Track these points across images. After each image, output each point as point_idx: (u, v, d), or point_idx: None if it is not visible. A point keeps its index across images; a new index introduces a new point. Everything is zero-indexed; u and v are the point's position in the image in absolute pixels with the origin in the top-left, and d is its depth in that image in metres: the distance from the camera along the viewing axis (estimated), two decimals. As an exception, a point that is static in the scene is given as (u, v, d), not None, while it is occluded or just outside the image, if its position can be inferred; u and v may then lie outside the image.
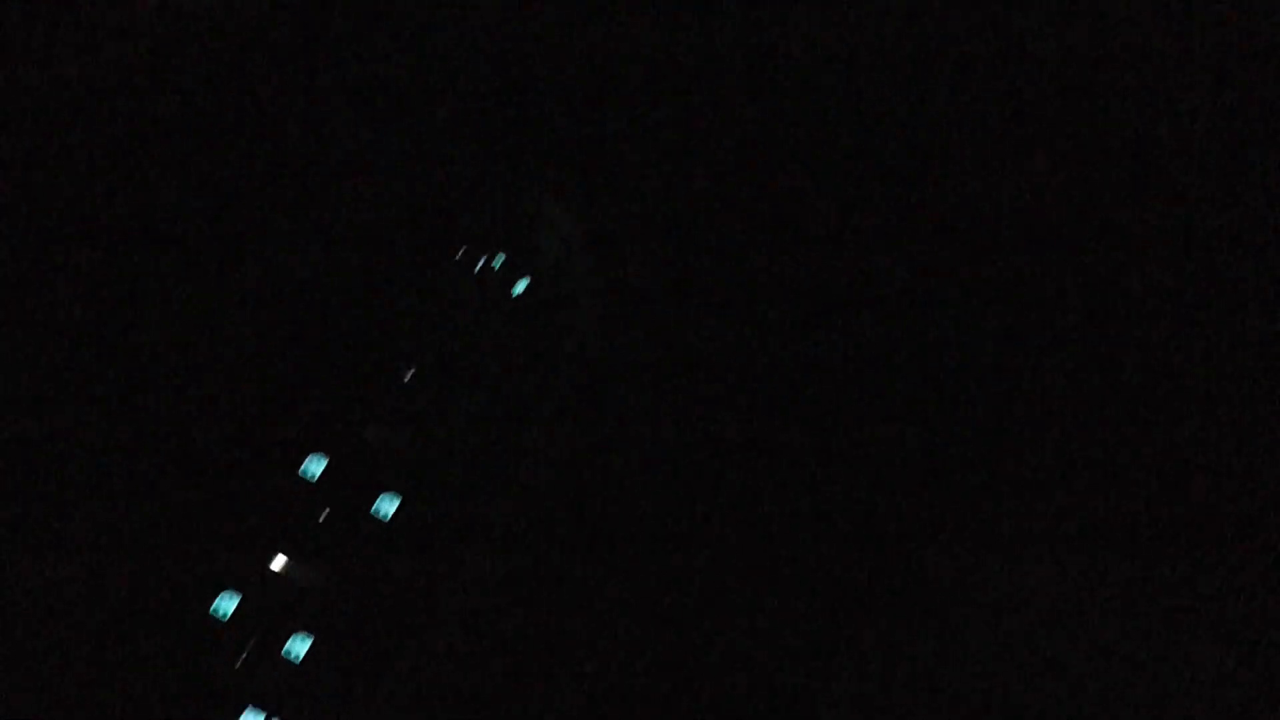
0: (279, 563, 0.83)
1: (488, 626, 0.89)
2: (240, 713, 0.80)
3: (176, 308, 0.89)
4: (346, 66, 0.95)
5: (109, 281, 0.85)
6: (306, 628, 0.82)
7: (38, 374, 0.82)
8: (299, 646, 0.82)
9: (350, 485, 0.86)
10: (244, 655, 0.81)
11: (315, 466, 0.86)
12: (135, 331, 0.87)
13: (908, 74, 0.95)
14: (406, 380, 0.91)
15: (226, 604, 0.83)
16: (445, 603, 0.84)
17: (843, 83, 0.95)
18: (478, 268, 0.96)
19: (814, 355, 0.95)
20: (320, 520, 0.83)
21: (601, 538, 0.92)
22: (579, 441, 0.95)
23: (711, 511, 0.91)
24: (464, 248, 0.96)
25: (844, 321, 0.94)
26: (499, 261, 0.96)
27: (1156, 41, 0.91)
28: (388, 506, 0.86)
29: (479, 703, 0.86)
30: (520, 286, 0.95)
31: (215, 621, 0.82)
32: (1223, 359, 0.89)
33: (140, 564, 0.84)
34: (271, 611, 0.83)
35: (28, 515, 0.82)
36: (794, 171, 0.99)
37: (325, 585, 0.83)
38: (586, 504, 0.93)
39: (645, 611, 0.89)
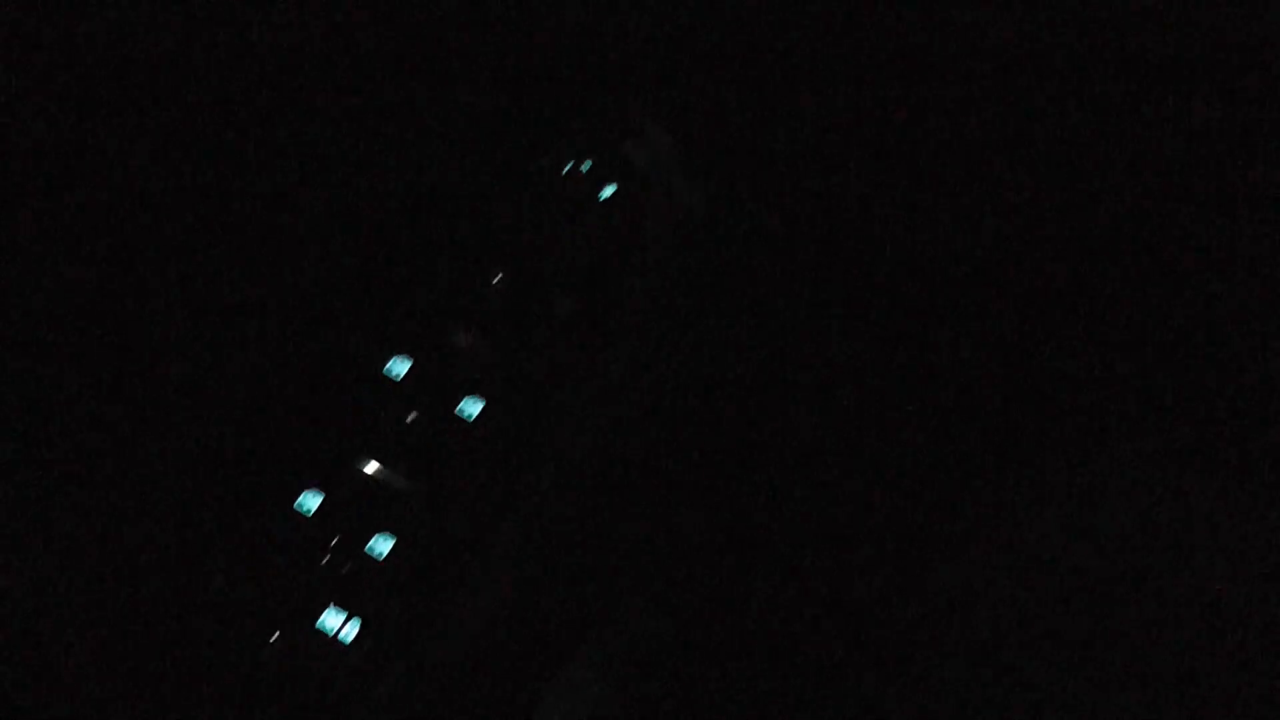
0: (363, 462, 0.82)
1: (570, 530, 0.87)
2: (322, 611, 0.79)
3: (269, 207, 0.88)
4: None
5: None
6: (390, 528, 0.81)
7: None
8: (382, 546, 0.81)
9: (435, 387, 0.84)
10: (327, 554, 0.80)
11: (400, 367, 0.84)
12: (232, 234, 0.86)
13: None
14: (495, 283, 0.88)
15: (310, 501, 0.82)
16: (528, 505, 0.83)
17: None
18: (565, 170, 0.94)
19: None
20: (407, 421, 0.82)
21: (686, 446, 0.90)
22: (660, 348, 0.92)
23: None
24: (551, 152, 0.94)
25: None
26: (586, 167, 0.93)
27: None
28: (472, 408, 0.84)
29: (559, 610, 0.85)
30: (607, 192, 0.93)
31: (299, 518, 0.81)
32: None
33: (224, 460, 0.83)
34: (354, 510, 0.82)
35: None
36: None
37: (409, 486, 0.82)
38: (669, 411, 0.91)
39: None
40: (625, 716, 0.83)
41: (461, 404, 0.85)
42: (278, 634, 0.80)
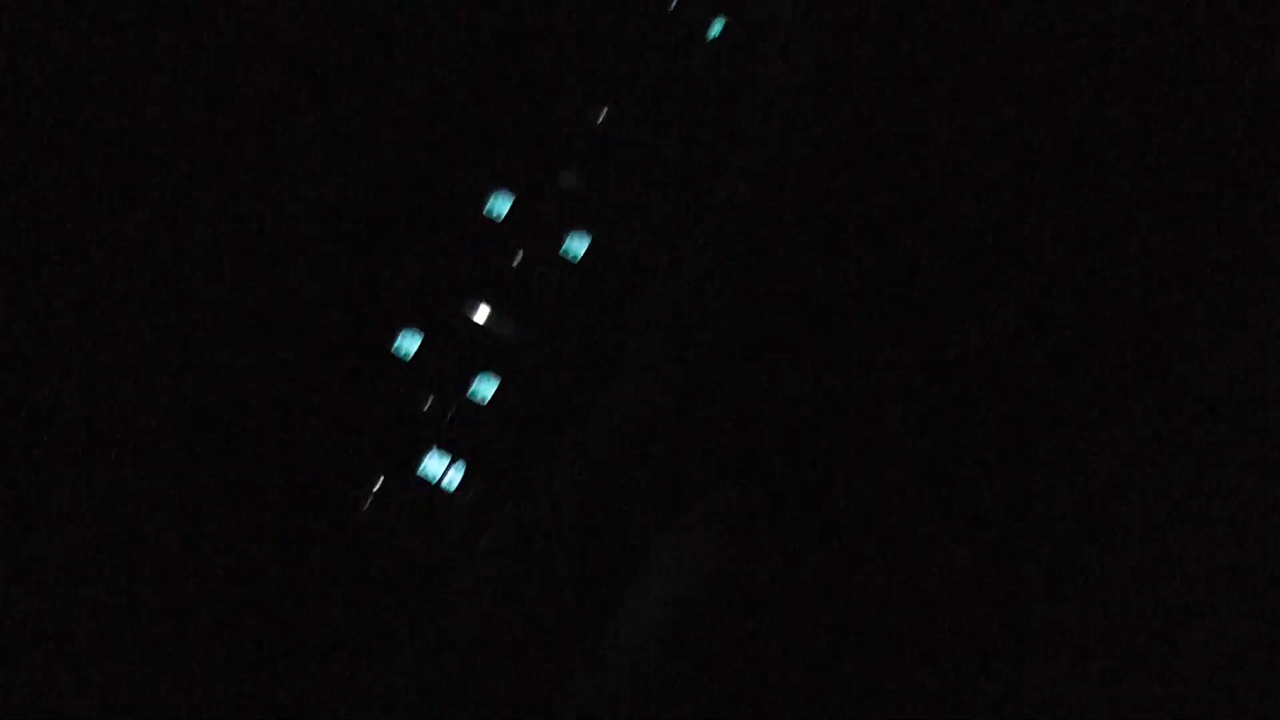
0: (464, 304, 0.78)
1: (677, 384, 0.83)
2: (425, 453, 0.76)
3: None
4: None
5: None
6: (493, 369, 0.77)
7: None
8: (485, 388, 0.77)
9: (538, 228, 0.79)
10: (428, 398, 0.77)
11: (501, 206, 0.80)
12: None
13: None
14: (600, 121, 0.83)
15: (409, 343, 0.78)
16: (631, 347, 0.78)
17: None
18: (672, 6, 0.88)
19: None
20: (514, 264, 0.77)
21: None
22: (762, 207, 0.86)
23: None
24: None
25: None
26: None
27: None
28: (578, 247, 0.79)
29: (662, 457, 0.81)
30: (716, 28, 0.86)
31: (398, 361, 0.78)
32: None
33: (320, 303, 0.80)
34: (455, 353, 0.78)
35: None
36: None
37: (513, 329, 0.78)
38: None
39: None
40: (724, 589, 0.79)
41: (566, 244, 0.80)
42: (381, 481, 0.77)
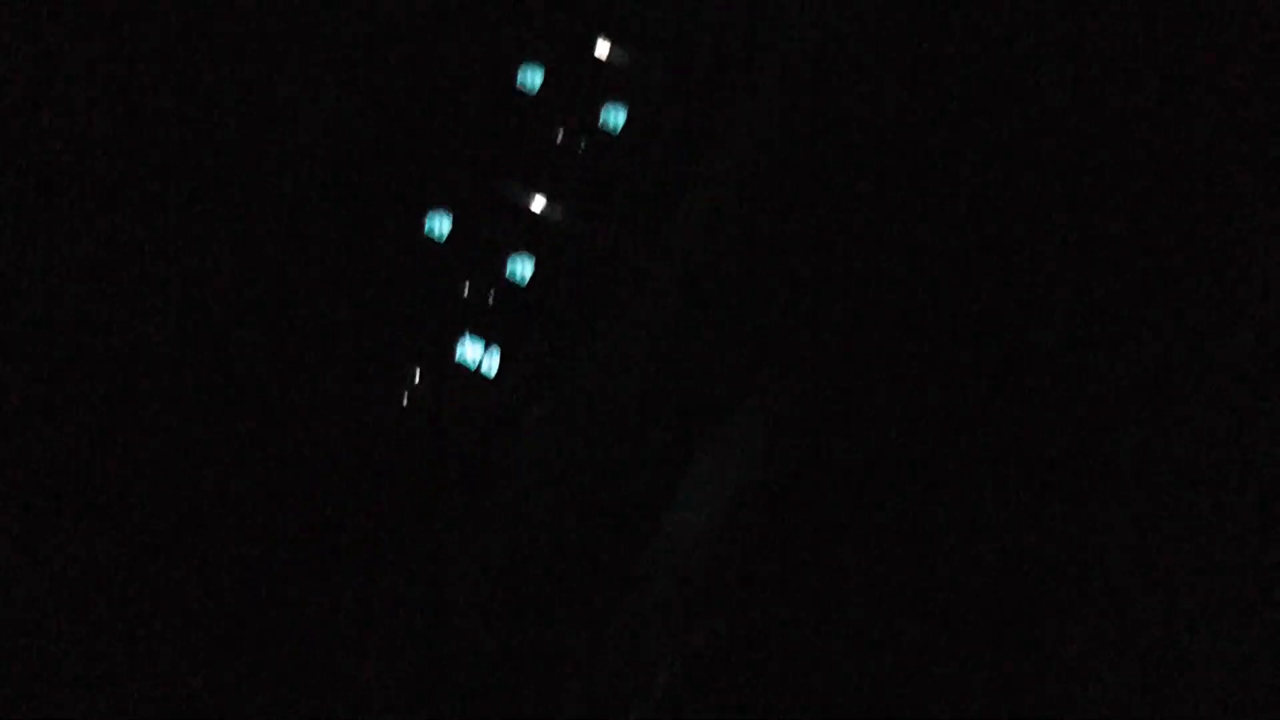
0: (499, 181, 0.73)
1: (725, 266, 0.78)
2: (460, 337, 0.73)
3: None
4: None
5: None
6: (528, 250, 0.73)
7: None
8: (523, 269, 0.73)
9: (574, 98, 0.75)
10: (464, 280, 0.73)
11: (534, 78, 0.75)
12: None
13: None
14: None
15: (440, 224, 0.74)
16: (678, 233, 0.73)
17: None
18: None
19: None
20: (556, 140, 0.72)
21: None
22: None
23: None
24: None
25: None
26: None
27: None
28: (616, 119, 0.74)
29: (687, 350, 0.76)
30: None
31: (430, 242, 0.74)
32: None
33: (344, 181, 0.76)
34: (490, 232, 0.74)
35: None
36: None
37: (549, 205, 0.73)
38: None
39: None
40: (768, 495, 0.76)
41: (604, 115, 0.75)
42: (418, 370, 0.74)
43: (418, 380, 0.74)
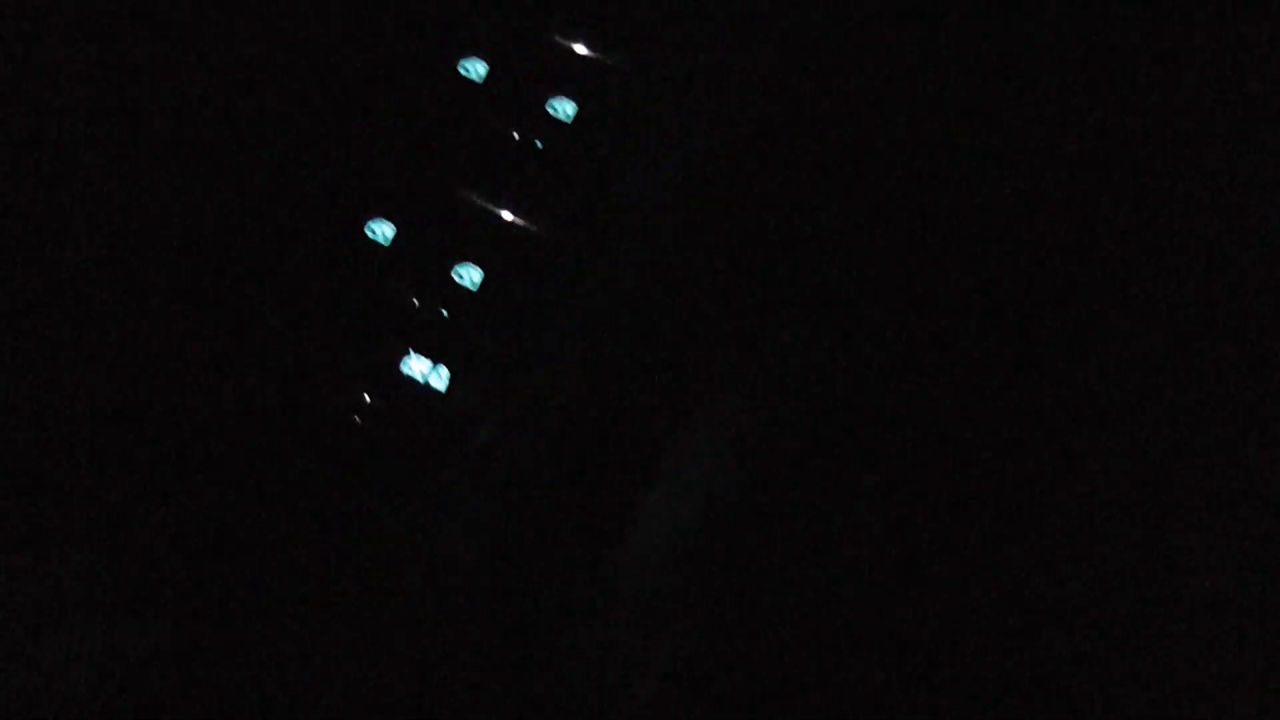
0: (442, 182, 0.69)
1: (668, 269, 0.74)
2: (404, 355, 0.69)
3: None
4: None
5: None
6: (476, 258, 0.68)
7: None
8: (471, 275, 0.69)
9: (519, 89, 0.70)
10: (408, 289, 0.69)
11: (478, 70, 0.69)
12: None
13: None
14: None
15: (382, 229, 0.70)
16: (626, 227, 0.69)
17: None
18: None
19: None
20: (503, 139, 0.67)
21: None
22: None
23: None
24: None
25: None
26: None
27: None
28: (566, 109, 0.69)
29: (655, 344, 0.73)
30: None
31: (374, 247, 0.70)
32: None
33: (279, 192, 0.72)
34: (435, 239, 0.69)
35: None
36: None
37: (492, 205, 0.69)
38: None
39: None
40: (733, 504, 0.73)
41: (549, 102, 0.71)
42: (363, 388, 0.71)
43: (365, 397, 0.71)
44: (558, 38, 0.73)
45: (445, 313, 0.70)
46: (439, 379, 0.69)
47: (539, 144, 0.71)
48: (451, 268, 0.70)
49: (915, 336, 0.72)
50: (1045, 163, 0.73)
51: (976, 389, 0.72)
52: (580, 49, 0.73)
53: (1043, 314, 0.73)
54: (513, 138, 0.70)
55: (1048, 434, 0.72)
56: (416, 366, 0.69)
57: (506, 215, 0.71)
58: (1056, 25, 0.73)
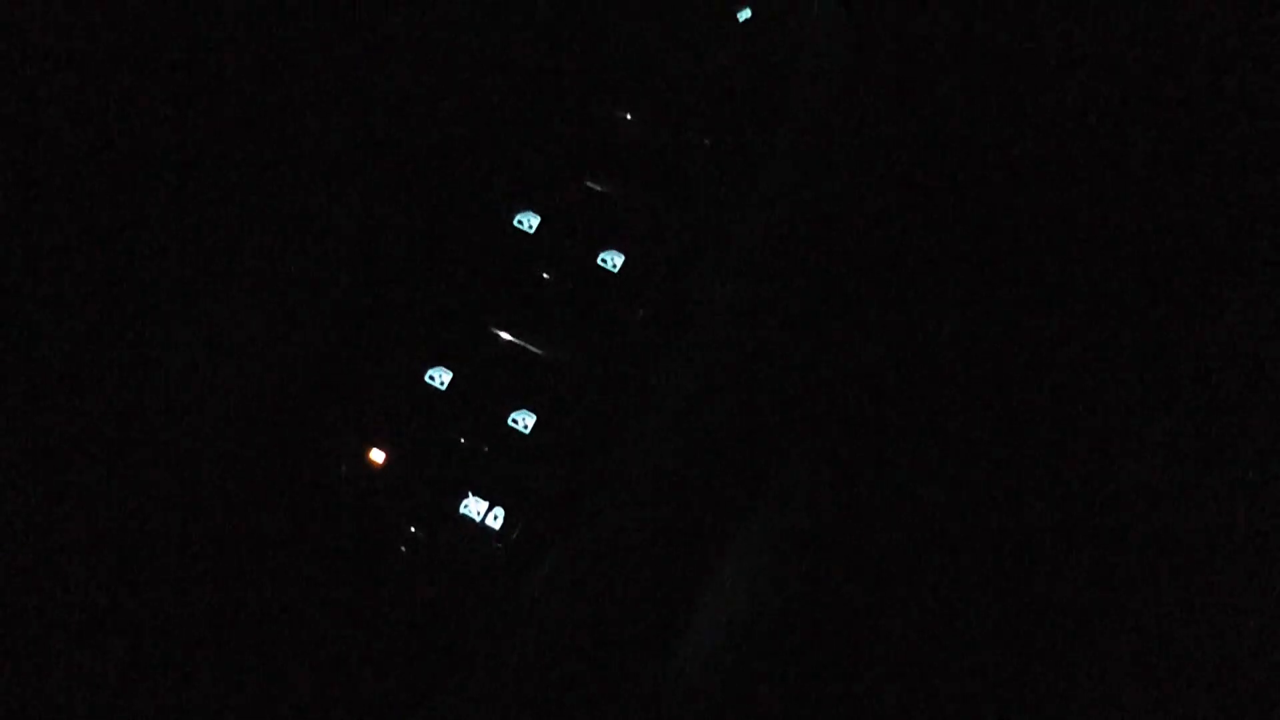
0: (495, 329, 0.71)
1: (722, 406, 0.77)
2: (464, 496, 0.70)
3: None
4: None
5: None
6: (530, 403, 0.71)
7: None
8: (525, 420, 0.71)
9: (570, 240, 0.73)
10: (463, 433, 0.71)
11: (530, 219, 0.73)
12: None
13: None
14: (628, 119, 0.77)
15: (440, 374, 0.72)
16: (678, 376, 0.72)
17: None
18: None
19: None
20: (543, 278, 0.70)
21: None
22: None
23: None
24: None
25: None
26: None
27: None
28: (614, 260, 0.73)
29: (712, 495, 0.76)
30: (744, 15, 0.81)
31: (430, 391, 0.72)
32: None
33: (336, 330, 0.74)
34: (489, 383, 0.72)
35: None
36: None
37: (549, 353, 0.71)
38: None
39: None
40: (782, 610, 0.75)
41: (602, 255, 0.74)
42: (416, 526, 0.72)
43: (414, 532, 0.72)
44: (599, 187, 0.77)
45: (500, 452, 0.72)
46: (494, 520, 0.71)
47: (588, 291, 0.75)
48: (507, 410, 0.72)
49: (965, 454, 0.75)
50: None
51: (1037, 500, 0.74)
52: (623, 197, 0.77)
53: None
54: (565, 285, 0.74)
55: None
56: (475, 507, 0.71)
57: (555, 356, 0.74)
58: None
